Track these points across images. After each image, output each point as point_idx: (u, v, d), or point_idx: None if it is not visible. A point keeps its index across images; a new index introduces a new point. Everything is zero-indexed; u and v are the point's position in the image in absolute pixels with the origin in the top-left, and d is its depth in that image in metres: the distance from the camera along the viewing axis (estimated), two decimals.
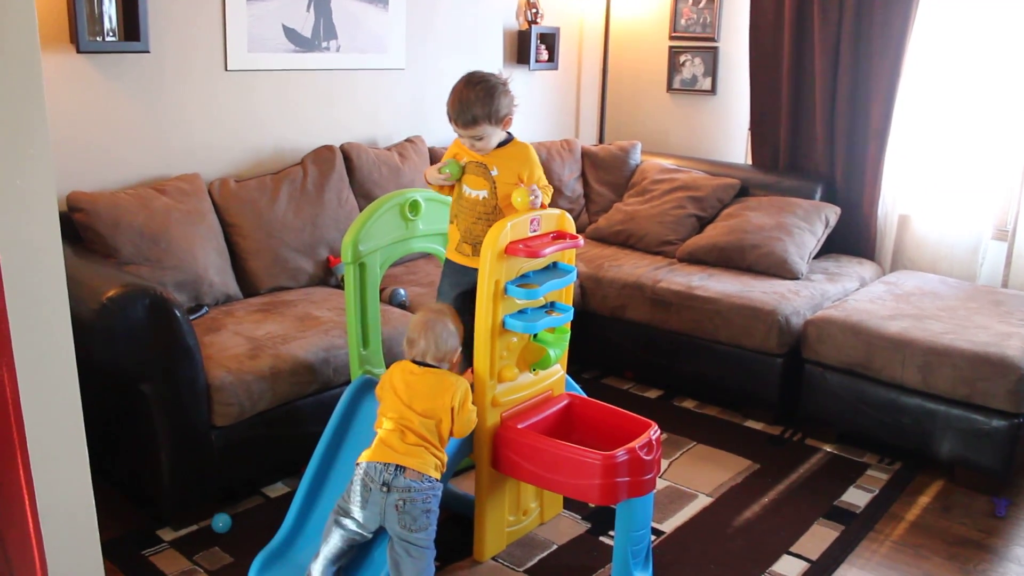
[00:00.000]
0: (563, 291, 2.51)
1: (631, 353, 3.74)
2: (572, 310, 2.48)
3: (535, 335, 2.42)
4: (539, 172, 2.45)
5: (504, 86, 2.39)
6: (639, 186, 4.38)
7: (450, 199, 2.60)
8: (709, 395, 3.64)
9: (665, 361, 3.64)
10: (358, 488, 2.14)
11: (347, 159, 3.66)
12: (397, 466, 2.12)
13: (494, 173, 2.41)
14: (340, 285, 3.43)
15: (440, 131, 4.17)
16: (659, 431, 2.36)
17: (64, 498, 1.89)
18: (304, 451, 2.86)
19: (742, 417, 3.49)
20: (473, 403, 2.27)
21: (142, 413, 2.50)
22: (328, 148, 3.60)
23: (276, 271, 3.33)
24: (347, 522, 2.16)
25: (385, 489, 2.11)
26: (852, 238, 4.08)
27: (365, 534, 2.17)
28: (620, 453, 2.21)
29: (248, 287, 3.29)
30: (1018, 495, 2.96)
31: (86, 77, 3.01)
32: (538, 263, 2.40)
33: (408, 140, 3.97)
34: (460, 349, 2.33)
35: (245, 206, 3.30)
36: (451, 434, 2.22)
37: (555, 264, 2.48)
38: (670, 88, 4.82)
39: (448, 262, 2.60)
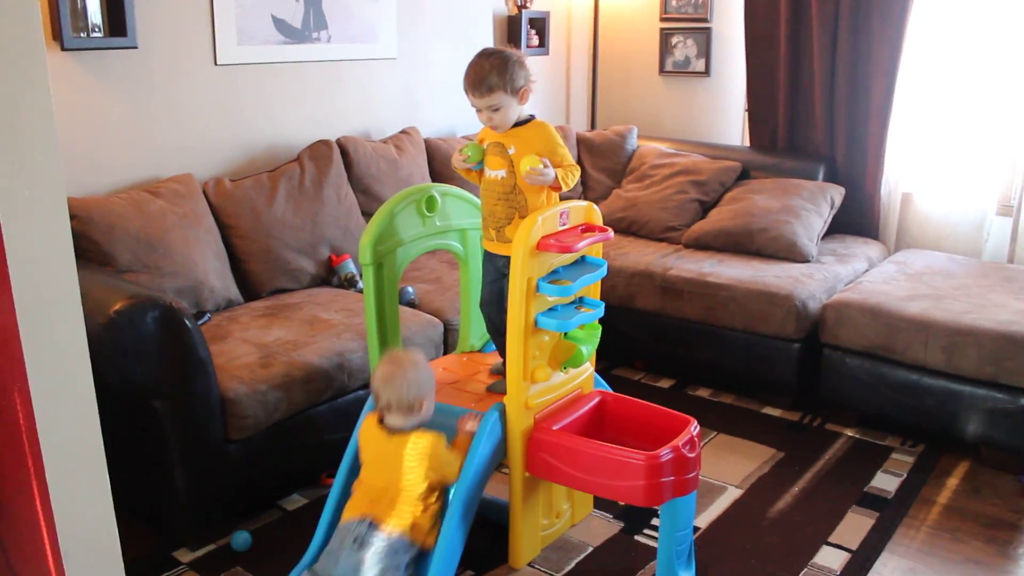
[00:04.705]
0: (591, 285, 2.42)
1: (641, 343, 3.67)
2: (603, 305, 2.39)
3: (566, 332, 2.33)
4: (562, 151, 2.33)
5: (519, 59, 2.37)
6: (638, 172, 4.29)
7: (465, 192, 2.52)
8: (723, 383, 3.58)
9: (677, 350, 3.58)
10: (334, 549, 2.08)
11: (344, 153, 3.52)
12: (371, 521, 2.06)
13: (511, 152, 2.32)
14: (343, 285, 3.31)
15: (434, 121, 4.05)
16: (698, 426, 2.29)
17: (86, 530, 1.76)
18: (321, 460, 2.76)
19: (759, 404, 3.44)
20: (453, 451, 2.17)
21: (154, 430, 2.37)
22: (325, 143, 3.45)
23: (277, 273, 3.20)
24: None
25: (357, 546, 2.04)
26: (856, 218, 4.03)
27: None
28: (664, 452, 2.13)
29: (248, 290, 3.16)
30: None
31: (71, 76, 2.85)
32: (568, 258, 2.31)
33: (403, 132, 3.84)
34: (431, 394, 2.18)
35: (242, 206, 3.16)
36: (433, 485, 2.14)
37: (583, 258, 2.39)
38: (662, 71, 4.73)
39: (483, 250, 2.51)
